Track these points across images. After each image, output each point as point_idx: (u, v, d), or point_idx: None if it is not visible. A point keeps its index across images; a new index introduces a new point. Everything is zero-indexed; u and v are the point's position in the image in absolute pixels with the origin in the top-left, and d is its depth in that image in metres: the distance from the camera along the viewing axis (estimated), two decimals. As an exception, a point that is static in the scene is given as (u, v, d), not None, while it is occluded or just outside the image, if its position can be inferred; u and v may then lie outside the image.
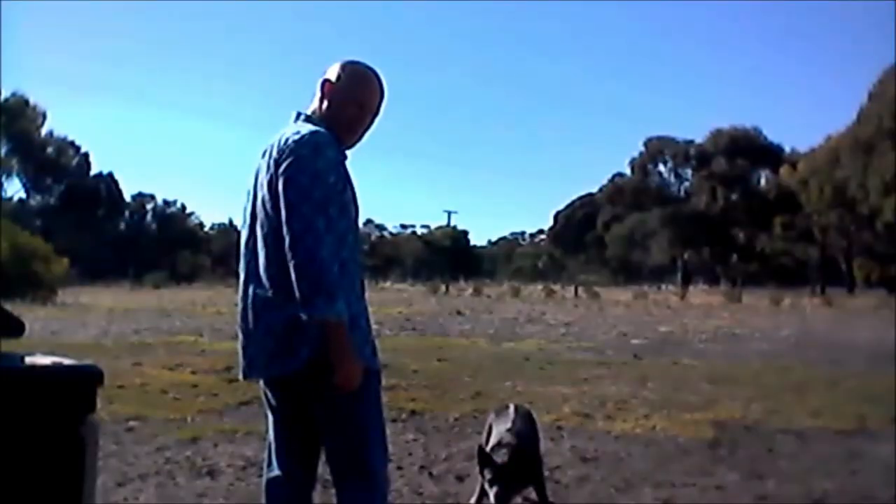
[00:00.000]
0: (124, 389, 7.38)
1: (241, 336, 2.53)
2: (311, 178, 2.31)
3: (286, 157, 2.37)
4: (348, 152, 2.58)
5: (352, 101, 2.54)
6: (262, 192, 2.44)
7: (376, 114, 2.61)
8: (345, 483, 2.50)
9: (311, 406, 2.49)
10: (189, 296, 28.65)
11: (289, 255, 2.27)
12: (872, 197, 42.90)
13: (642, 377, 9.15)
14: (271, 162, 2.42)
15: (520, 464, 3.56)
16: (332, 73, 2.58)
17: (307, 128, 2.45)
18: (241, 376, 2.57)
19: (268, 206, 2.41)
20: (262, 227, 2.44)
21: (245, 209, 2.57)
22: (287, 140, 2.42)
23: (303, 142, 2.38)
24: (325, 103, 2.55)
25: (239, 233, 2.62)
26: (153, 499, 4.26)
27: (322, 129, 2.45)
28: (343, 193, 2.41)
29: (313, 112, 2.57)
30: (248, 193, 2.56)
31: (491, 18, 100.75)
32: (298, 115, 2.57)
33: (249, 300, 2.48)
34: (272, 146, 2.47)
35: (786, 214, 52.90)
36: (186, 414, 6.52)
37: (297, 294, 2.27)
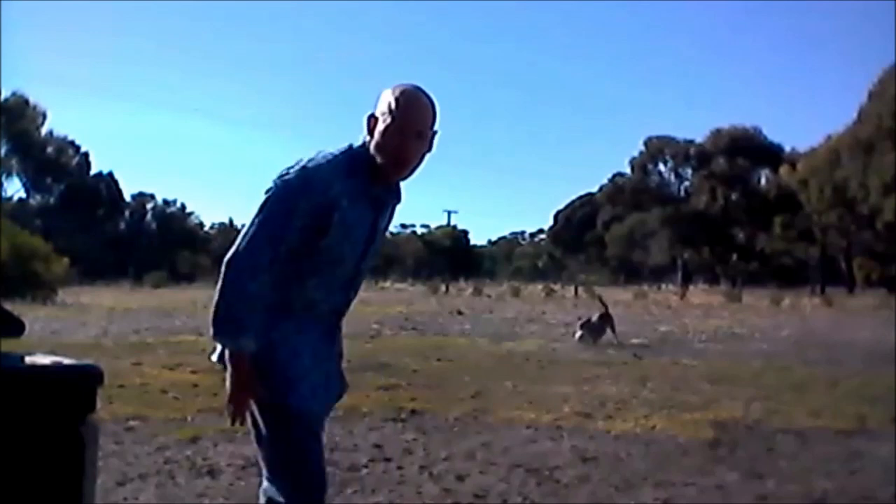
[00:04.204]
0: (124, 389, 7.37)
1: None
2: (267, 197, 2.26)
3: None
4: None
5: (394, 128, 2.31)
6: None
7: (424, 137, 2.36)
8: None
9: None
10: (189, 296, 28.59)
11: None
12: (872, 197, 42.90)
13: (642, 377, 9.15)
14: None
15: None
16: (378, 104, 2.38)
17: (327, 151, 2.35)
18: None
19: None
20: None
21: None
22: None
23: (297, 163, 2.32)
24: (370, 134, 2.35)
25: None
26: (153, 499, 4.26)
27: (339, 154, 2.33)
28: (314, 229, 2.27)
29: (362, 143, 2.38)
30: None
31: (491, 18, 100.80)
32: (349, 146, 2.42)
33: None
34: None
35: (786, 214, 52.92)
36: (186, 413, 6.51)
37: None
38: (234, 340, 2.24)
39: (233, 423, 2.36)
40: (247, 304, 2.22)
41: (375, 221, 2.41)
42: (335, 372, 2.52)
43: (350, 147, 2.36)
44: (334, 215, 2.26)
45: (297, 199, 2.24)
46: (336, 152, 2.34)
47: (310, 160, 2.30)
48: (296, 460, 2.35)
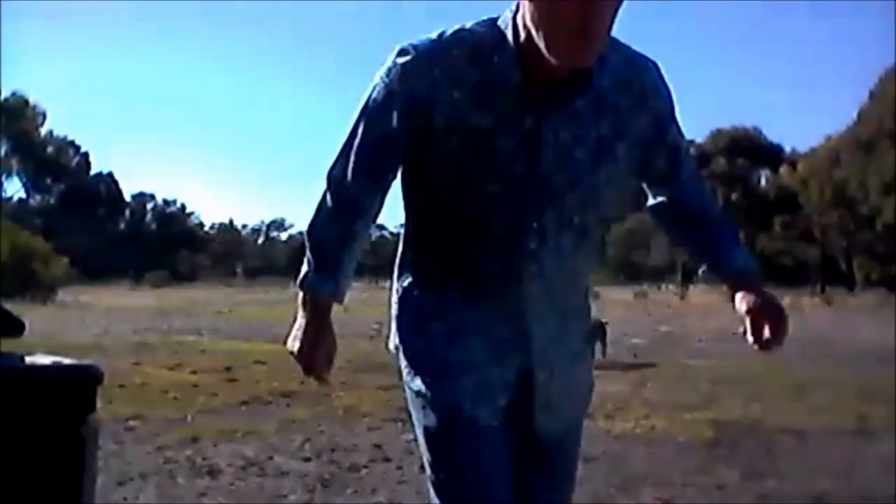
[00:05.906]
0: (124, 389, 7.37)
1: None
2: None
3: None
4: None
5: None
6: None
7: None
8: None
9: None
10: (189, 296, 28.63)
11: None
12: (872, 197, 42.93)
13: (642, 377, 9.14)
14: None
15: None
16: None
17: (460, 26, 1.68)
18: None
19: None
20: None
21: None
22: None
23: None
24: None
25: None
26: (153, 498, 4.25)
27: (460, 31, 1.68)
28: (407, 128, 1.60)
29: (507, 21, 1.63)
30: None
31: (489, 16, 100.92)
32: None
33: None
34: None
35: (786, 214, 52.95)
36: (186, 413, 6.52)
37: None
38: (304, 277, 1.69)
39: (314, 378, 1.74)
40: (326, 235, 1.69)
41: (537, 133, 1.58)
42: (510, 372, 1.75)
43: (488, 21, 1.67)
44: (434, 118, 1.58)
45: (393, 89, 1.61)
46: (460, 28, 1.68)
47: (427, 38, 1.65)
48: (437, 467, 1.83)
